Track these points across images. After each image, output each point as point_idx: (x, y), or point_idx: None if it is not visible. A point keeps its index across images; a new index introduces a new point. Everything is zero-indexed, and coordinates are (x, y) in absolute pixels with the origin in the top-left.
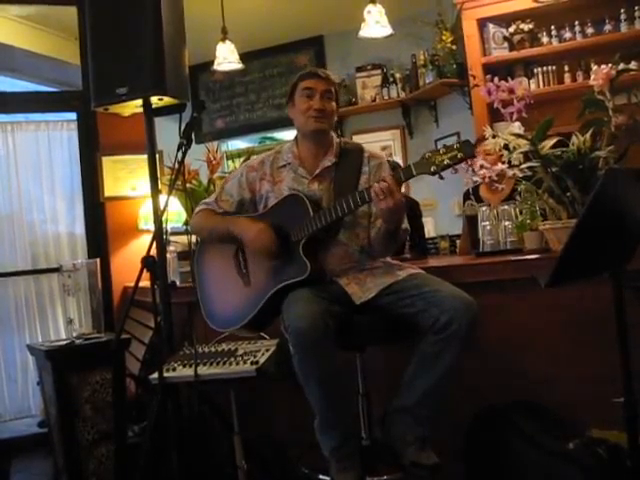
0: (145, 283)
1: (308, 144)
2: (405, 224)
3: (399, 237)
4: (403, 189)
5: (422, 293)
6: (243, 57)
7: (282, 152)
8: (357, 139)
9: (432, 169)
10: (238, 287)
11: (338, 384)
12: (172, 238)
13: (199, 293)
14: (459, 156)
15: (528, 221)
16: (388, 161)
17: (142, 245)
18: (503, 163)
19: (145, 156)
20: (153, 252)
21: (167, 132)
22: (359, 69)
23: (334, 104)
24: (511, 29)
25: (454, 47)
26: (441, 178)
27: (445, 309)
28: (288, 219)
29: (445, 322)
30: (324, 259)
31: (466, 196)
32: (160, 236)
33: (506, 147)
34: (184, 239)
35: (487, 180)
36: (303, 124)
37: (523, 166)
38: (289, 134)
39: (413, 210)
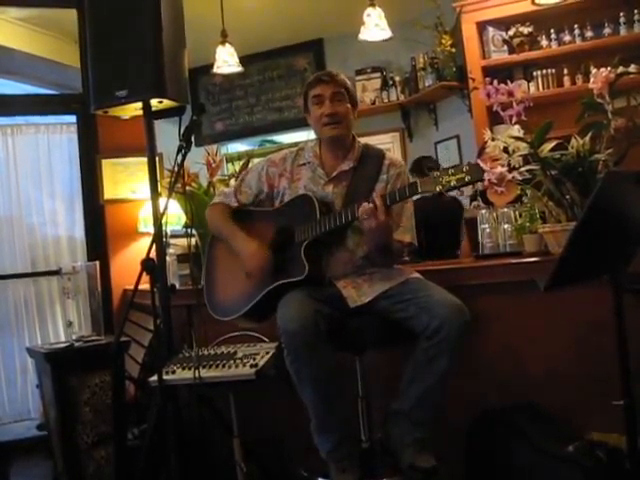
0: (145, 286)
1: (328, 148)
2: (410, 239)
3: (393, 252)
4: None
5: (415, 298)
6: (243, 60)
7: (305, 150)
8: None
9: (438, 188)
10: (240, 279)
11: (332, 385)
12: (172, 241)
13: (205, 280)
14: (467, 179)
15: (527, 224)
16: None
17: (142, 248)
18: (502, 166)
19: (145, 159)
20: (153, 255)
21: (167, 135)
22: (359, 72)
23: (347, 105)
24: (510, 32)
25: (453, 50)
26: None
27: (435, 315)
28: (296, 219)
29: (435, 328)
30: (327, 263)
31: (473, 198)
32: (160, 239)
33: (505, 150)
34: (184, 242)
35: (487, 183)
36: (319, 132)
37: (523, 169)
38: (289, 137)
39: (455, 213)
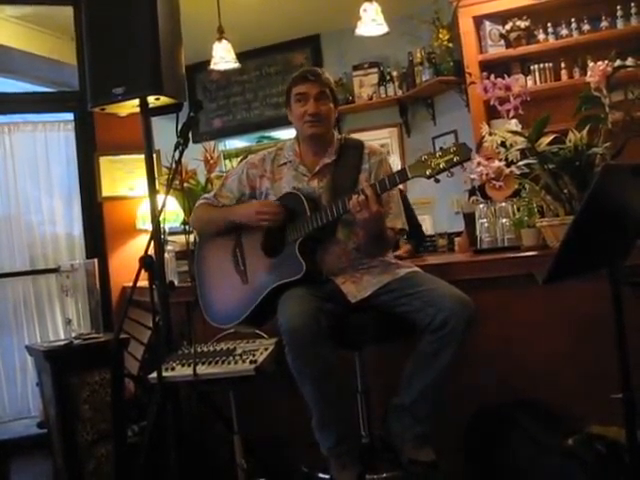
0: (143, 283)
1: (308, 144)
2: (401, 225)
3: (387, 240)
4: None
5: (418, 292)
6: (240, 56)
7: (284, 149)
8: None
9: (427, 172)
10: (236, 284)
11: (333, 383)
12: (170, 238)
13: (198, 290)
14: (455, 159)
15: (525, 218)
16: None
17: (140, 245)
18: (500, 160)
19: (142, 156)
20: (151, 252)
21: (164, 132)
22: (356, 67)
23: (330, 105)
24: (507, 26)
25: (450, 45)
26: (437, 181)
27: (441, 308)
28: (285, 217)
29: (441, 321)
30: (321, 258)
31: (472, 192)
32: (158, 236)
33: (503, 144)
34: (182, 239)
35: (485, 178)
36: (300, 129)
37: (520, 163)
38: (286, 133)
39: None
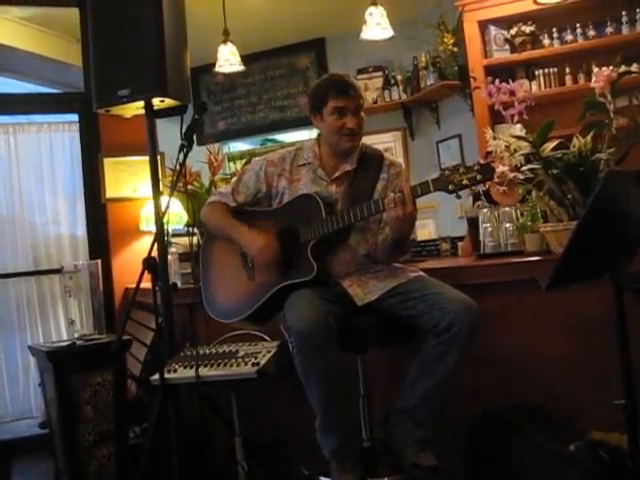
0: (146, 284)
1: (331, 150)
2: (412, 235)
3: (405, 247)
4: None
5: (424, 296)
6: (245, 59)
7: (303, 150)
8: None
9: (450, 187)
10: (242, 280)
11: (339, 386)
12: (173, 240)
13: (202, 281)
14: (478, 178)
15: (529, 223)
16: None
17: (143, 246)
18: (504, 165)
19: (147, 158)
20: (154, 253)
21: (168, 134)
22: (360, 71)
23: (363, 115)
24: (512, 31)
25: (455, 49)
26: (458, 197)
27: (446, 312)
28: (299, 219)
29: (446, 325)
30: (330, 261)
31: (477, 197)
32: (161, 238)
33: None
34: (185, 240)
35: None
36: (335, 142)
37: (524, 168)
38: (291, 136)
39: None
